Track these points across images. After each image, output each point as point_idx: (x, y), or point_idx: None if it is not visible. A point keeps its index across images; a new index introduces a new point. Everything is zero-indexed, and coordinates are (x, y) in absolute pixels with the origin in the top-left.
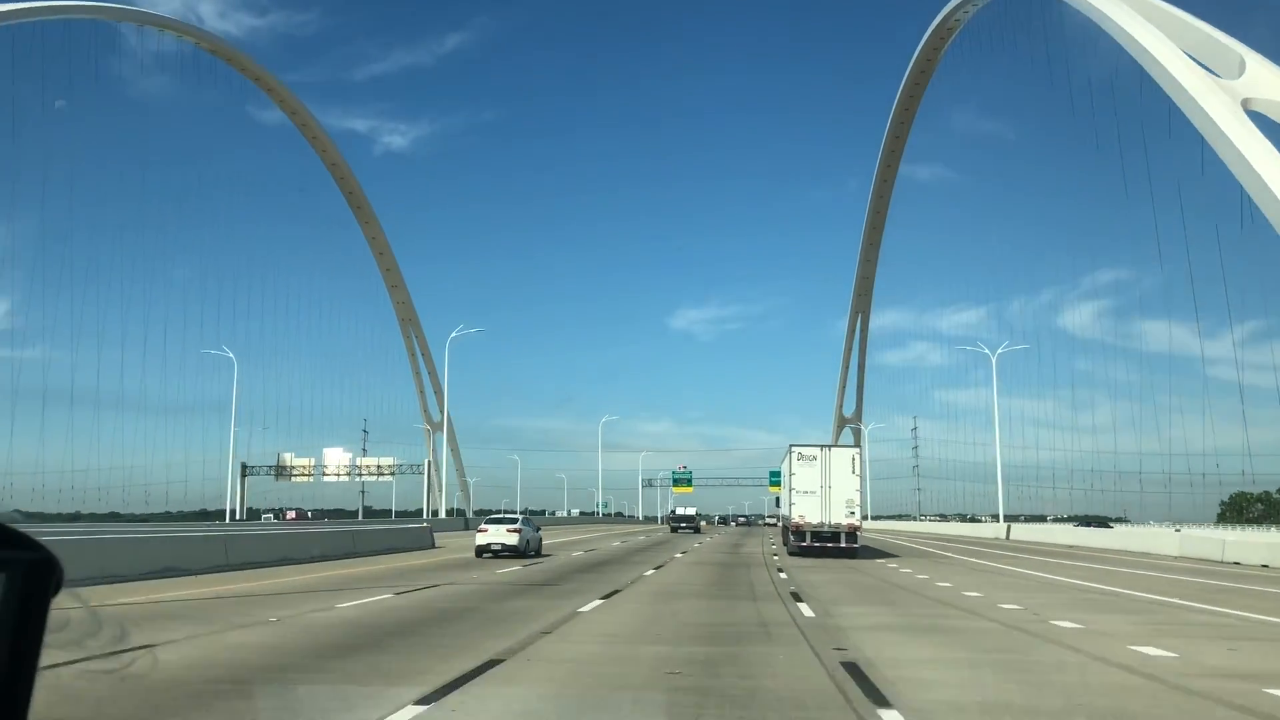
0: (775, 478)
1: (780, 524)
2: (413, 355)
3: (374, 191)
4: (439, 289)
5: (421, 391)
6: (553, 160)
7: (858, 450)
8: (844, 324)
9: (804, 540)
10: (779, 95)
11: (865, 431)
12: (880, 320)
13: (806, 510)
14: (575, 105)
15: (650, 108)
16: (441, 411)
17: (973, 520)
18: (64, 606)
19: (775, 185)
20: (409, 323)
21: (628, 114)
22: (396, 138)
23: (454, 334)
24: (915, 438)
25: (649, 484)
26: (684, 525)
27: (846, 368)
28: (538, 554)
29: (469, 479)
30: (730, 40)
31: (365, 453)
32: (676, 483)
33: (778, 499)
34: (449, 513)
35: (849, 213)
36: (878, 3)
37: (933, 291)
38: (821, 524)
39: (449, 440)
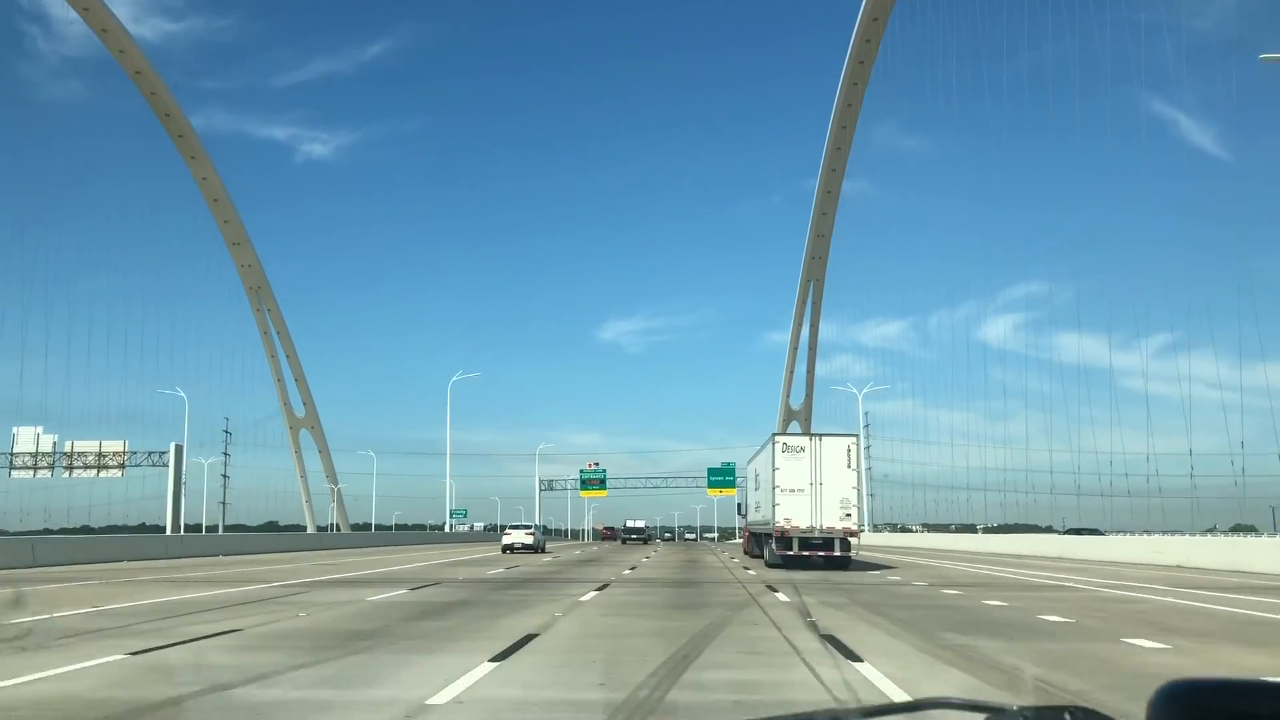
0: (719, 478)
1: (746, 532)
2: (265, 333)
3: (294, 202)
4: (358, 299)
5: (280, 380)
6: (477, 171)
7: (854, 439)
8: (774, 336)
9: (790, 549)
10: (705, 108)
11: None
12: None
13: (793, 512)
14: (499, 115)
15: (576, 119)
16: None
17: (949, 530)
18: None
19: (702, 197)
20: (258, 292)
21: (553, 125)
22: (317, 146)
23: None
24: (869, 436)
25: (549, 487)
26: (634, 537)
27: (794, 352)
28: (543, 550)
29: (338, 485)
30: (656, 52)
31: (228, 457)
32: (585, 485)
33: (740, 504)
34: (320, 529)
35: (776, 225)
36: (810, 15)
37: (857, 305)
38: (812, 528)
39: (318, 442)
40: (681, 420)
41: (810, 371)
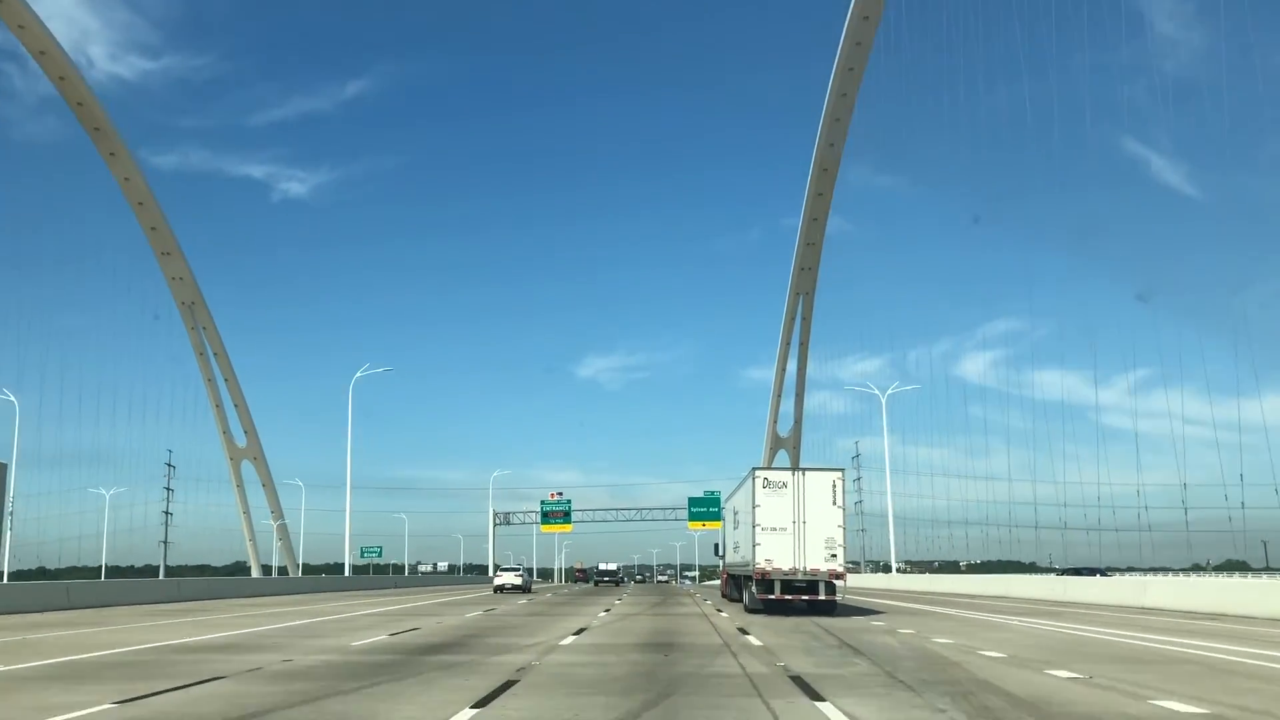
0: (702, 509)
1: (724, 574)
2: (201, 354)
3: (274, 237)
4: (340, 335)
5: (218, 406)
6: (455, 208)
7: (840, 474)
8: (755, 373)
9: (771, 592)
10: (684, 146)
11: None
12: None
13: (774, 553)
14: (478, 155)
15: (555, 157)
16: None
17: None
18: None
19: (681, 235)
20: (192, 308)
21: (532, 162)
22: (295, 184)
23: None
24: (858, 468)
25: (505, 520)
26: (605, 579)
27: (781, 376)
28: (529, 590)
29: (281, 520)
30: (636, 90)
31: (170, 493)
32: (547, 518)
33: (718, 545)
34: (266, 570)
35: (754, 262)
36: (790, 53)
37: (833, 342)
38: (794, 570)
39: (261, 475)
40: (661, 457)
41: (799, 394)
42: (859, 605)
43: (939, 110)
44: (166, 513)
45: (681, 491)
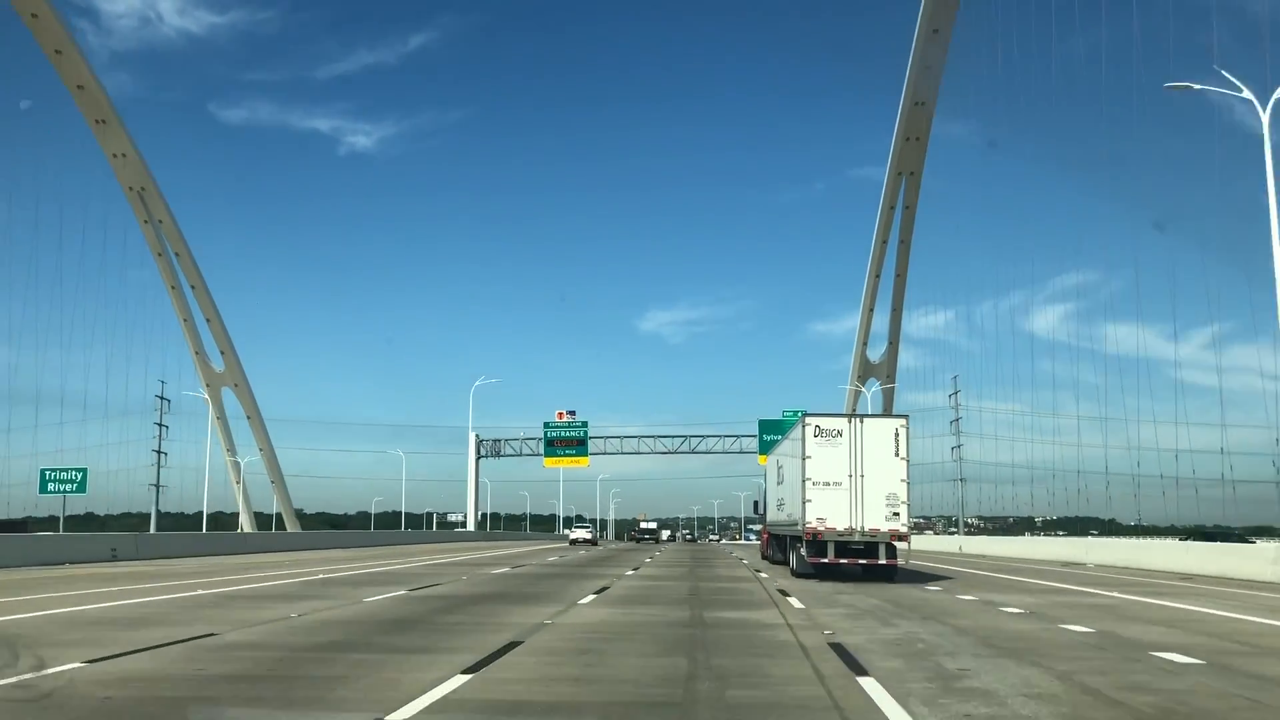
0: (776, 435)
1: (765, 533)
2: (160, 254)
3: (341, 191)
4: (403, 292)
5: (186, 321)
6: (519, 161)
7: (903, 421)
8: (819, 327)
9: (824, 555)
10: (747, 97)
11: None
12: (847, 323)
13: (827, 510)
14: (541, 105)
15: (618, 108)
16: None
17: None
18: None
19: (745, 187)
20: (142, 195)
21: (595, 115)
22: (361, 138)
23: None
24: (956, 406)
25: (492, 453)
26: (646, 537)
27: (873, 290)
28: (596, 544)
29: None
30: (700, 41)
31: (163, 429)
32: (553, 448)
33: (757, 502)
34: (261, 522)
35: (819, 214)
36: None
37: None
38: (851, 530)
39: (245, 406)
40: (723, 411)
41: (896, 313)
42: (930, 571)
43: (1011, 55)
44: (158, 452)
45: (745, 448)
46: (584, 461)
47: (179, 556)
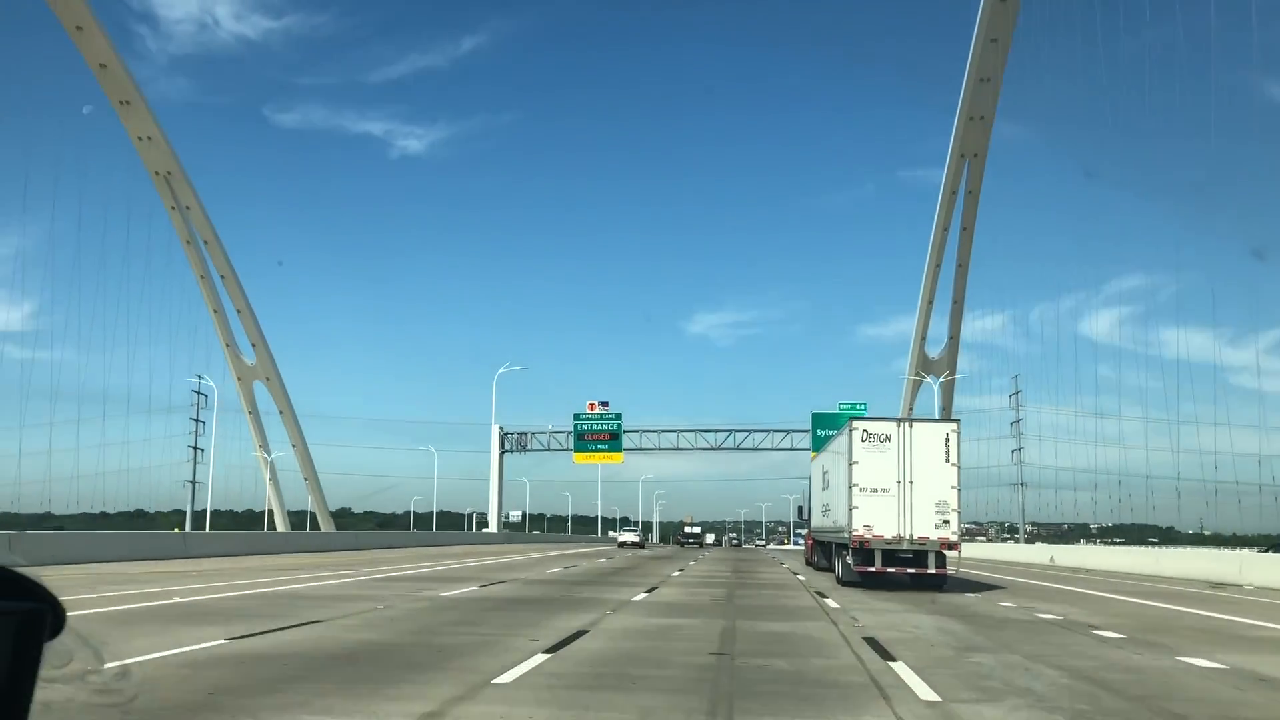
0: (830, 429)
1: (809, 539)
2: (189, 242)
3: (393, 193)
4: (451, 291)
5: (217, 312)
6: (569, 163)
7: (954, 426)
8: (868, 330)
9: (871, 564)
10: (795, 101)
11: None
12: (898, 326)
13: (875, 518)
14: (592, 107)
15: (667, 110)
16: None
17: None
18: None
19: (792, 189)
20: (169, 180)
21: (644, 116)
22: (413, 141)
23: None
24: (1018, 407)
25: (518, 448)
26: (690, 541)
27: (933, 283)
28: (644, 547)
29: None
30: (749, 40)
31: (200, 424)
32: (583, 442)
33: (802, 508)
34: (295, 522)
35: (868, 217)
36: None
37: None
38: (899, 538)
39: (278, 401)
40: (772, 413)
41: (958, 304)
42: (982, 580)
43: (1057, 56)
44: (194, 448)
45: (788, 457)
46: (617, 458)
47: (205, 556)
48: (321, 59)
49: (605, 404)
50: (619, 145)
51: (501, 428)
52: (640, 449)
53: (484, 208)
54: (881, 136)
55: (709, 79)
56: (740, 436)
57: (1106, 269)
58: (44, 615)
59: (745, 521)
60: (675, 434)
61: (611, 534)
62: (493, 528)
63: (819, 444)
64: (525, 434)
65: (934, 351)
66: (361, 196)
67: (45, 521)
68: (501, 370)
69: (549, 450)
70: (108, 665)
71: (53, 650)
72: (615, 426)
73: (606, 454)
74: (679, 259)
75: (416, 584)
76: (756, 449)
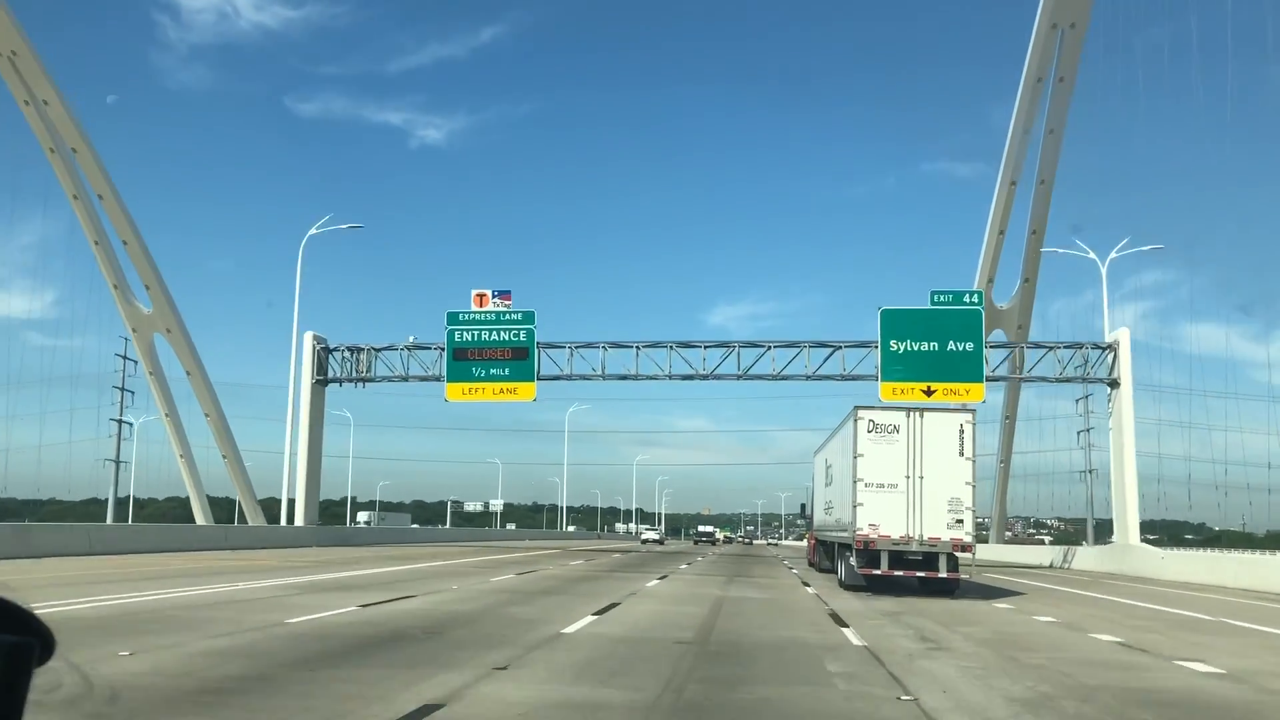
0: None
1: (811, 539)
2: (52, 150)
3: (408, 185)
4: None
5: (98, 244)
6: (588, 154)
7: (970, 415)
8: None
9: (876, 566)
10: (816, 94)
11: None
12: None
13: (881, 516)
14: (610, 99)
15: (686, 102)
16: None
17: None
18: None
19: (813, 181)
20: (16, 62)
21: (664, 108)
22: (432, 131)
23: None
24: (1084, 382)
25: (348, 375)
26: (703, 539)
27: (1006, 206)
28: (662, 543)
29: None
30: (768, 32)
31: (128, 393)
32: (459, 363)
33: (804, 505)
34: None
35: (889, 209)
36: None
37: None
38: (907, 539)
39: (184, 361)
40: (789, 409)
41: (1037, 235)
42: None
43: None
44: (119, 421)
45: (811, 441)
46: (527, 391)
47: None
48: (341, 49)
49: (506, 295)
50: (635, 138)
51: (316, 339)
52: (586, 378)
53: (501, 198)
54: (903, 127)
55: (729, 71)
56: (767, 360)
57: (1130, 264)
58: (32, 648)
59: (762, 514)
60: (667, 349)
61: (617, 528)
62: (299, 518)
63: (889, 366)
64: (360, 350)
65: (1003, 301)
66: (381, 185)
67: None
68: (313, 230)
69: (407, 379)
70: (97, 690)
71: (41, 676)
72: (523, 337)
73: (505, 385)
74: (698, 251)
75: None
76: (791, 379)
